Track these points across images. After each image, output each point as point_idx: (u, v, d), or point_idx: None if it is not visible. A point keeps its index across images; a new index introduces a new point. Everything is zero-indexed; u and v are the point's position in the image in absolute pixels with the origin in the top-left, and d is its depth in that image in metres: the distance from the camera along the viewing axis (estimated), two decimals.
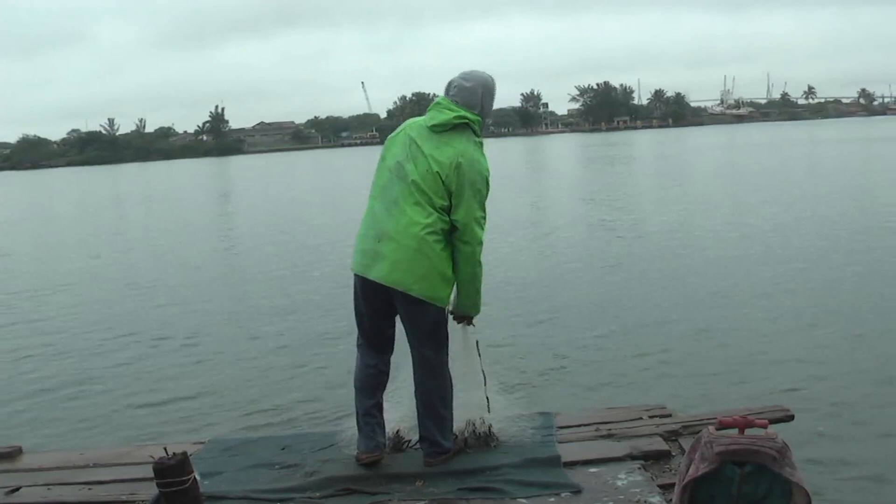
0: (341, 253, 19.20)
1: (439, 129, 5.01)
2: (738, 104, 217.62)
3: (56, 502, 5.07)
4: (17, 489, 5.30)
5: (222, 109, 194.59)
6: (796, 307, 12.15)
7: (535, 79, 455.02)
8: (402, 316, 5.07)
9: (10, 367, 11.69)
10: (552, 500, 4.50)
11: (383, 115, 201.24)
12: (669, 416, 5.71)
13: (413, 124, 5.18)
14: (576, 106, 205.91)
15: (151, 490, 4.86)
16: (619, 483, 4.62)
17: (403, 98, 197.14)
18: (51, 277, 20.32)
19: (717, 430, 3.73)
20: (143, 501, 4.87)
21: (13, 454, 6.02)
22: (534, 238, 21.78)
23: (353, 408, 5.17)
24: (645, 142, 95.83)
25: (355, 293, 5.12)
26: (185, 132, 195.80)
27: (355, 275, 5.06)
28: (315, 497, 4.73)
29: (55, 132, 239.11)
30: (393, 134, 5.27)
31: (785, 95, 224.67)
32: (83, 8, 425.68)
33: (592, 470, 4.83)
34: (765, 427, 3.70)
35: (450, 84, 5.18)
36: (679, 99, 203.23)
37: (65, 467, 5.70)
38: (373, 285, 4.96)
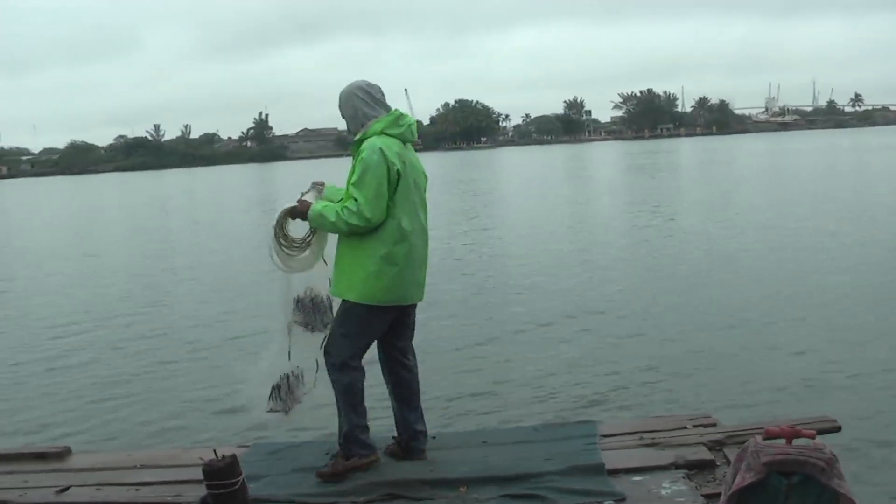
0: None
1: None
2: (783, 112, 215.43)
3: (105, 502, 5.15)
4: (67, 489, 5.39)
5: (266, 116, 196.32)
6: (848, 319, 11.95)
7: (579, 86, 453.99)
8: (403, 325, 5.33)
9: (60, 369, 11.87)
10: None
11: (426, 121, 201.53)
12: (714, 425, 5.67)
13: (393, 141, 5.12)
14: (619, 113, 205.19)
15: (197, 492, 4.93)
16: (664, 492, 4.61)
17: (446, 105, 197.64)
18: (107, 279, 20.66)
19: (764, 439, 3.70)
20: (188, 503, 4.93)
21: (63, 454, 6.12)
22: (576, 248, 21.72)
23: (358, 419, 5.20)
24: (691, 150, 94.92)
25: (374, 323, 5.14)
26: (230, 138, 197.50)
27: (382, 306, 5.09)
28: (358, 501, 4.76)
29: (102, 138, 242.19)
30: (383, 142, 5.04)
31: (831, 103, 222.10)
32: (133, 17, 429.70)
33: (636, 478, 4.82)
34: (812, 437, 3.66)
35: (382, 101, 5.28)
36: (723, 106, 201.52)
37: (113, 468, 5.79)
38: (399, 308, 5.19)
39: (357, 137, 5.10)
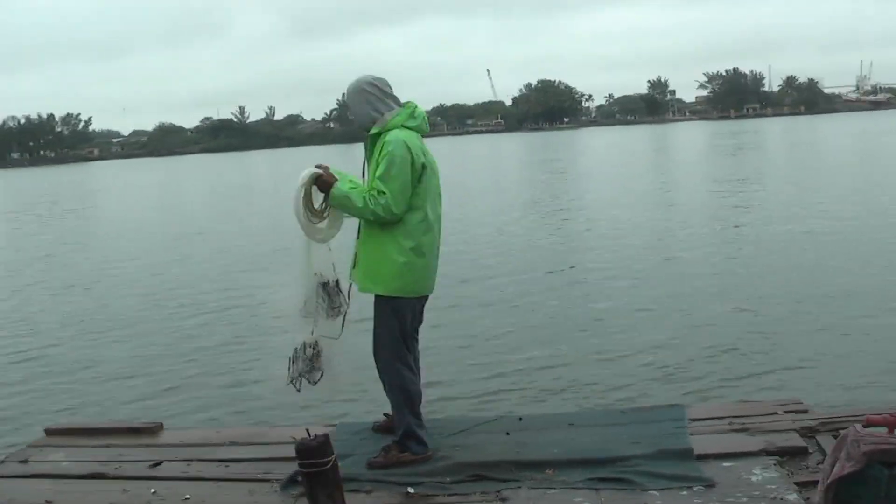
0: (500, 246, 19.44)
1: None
2: (876, 90, 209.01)
3: (195, 477, 5.26)
4: (160, 463, 5.53)
5: None
6: None
7: (663, 65, 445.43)
8: (420, 314, 5.34)
9: (153, 346, 12.20)
10: (684, 493, 4.44)
11: (508, 102, 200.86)
12: (805, 411, 5.57)
13: (413, 134, 5.13)
14: (704, 93, 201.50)
15: (285, 469, 5.01)
16: (754, 479, 4.53)
17: (529, 85, 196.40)
18: (207, 258, 21.11)
19: (864, 427, 3.60)
20: (277, 481, 5.01)
21: (155, 430, 6.27)
22: (663, 230, 21.48)
23: (415, 418, 5.20)
24: (779, 130, 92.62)
25: (407, 316, 5.16)
26: (313, 119, 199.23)
27: (412, 297, 5.13)
28: (445, 482, 4.78)
29: (189, 120, 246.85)
30: (406, 135, 5.05)
31: None
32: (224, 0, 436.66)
33: (726, 464, 4.74)
34: None
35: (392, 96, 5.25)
36: (812, 85, 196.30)
37: (203, 444, 5.91)
38: (424, 298, 5.26)
39: (374, 131, 5.10)
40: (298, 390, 5.20)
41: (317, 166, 5.11)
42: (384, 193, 4.87)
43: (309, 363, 5.16)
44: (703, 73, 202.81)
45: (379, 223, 4.98)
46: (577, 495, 4.51)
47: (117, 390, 10.13)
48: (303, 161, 5.21)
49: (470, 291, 14.47)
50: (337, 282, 5.20)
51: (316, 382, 5.20)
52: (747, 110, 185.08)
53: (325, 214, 5.13)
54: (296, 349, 5.17)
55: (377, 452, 5.16)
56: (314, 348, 5.15)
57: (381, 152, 4.97)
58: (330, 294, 5.17)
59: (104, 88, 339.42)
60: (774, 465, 4.68)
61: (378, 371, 5.27)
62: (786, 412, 5.53)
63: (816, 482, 4.11)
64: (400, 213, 4.93)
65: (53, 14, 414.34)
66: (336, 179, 5.02)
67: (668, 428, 5.31)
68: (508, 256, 18.36)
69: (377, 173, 4.93)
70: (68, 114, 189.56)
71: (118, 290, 17.21)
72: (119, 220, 34.77)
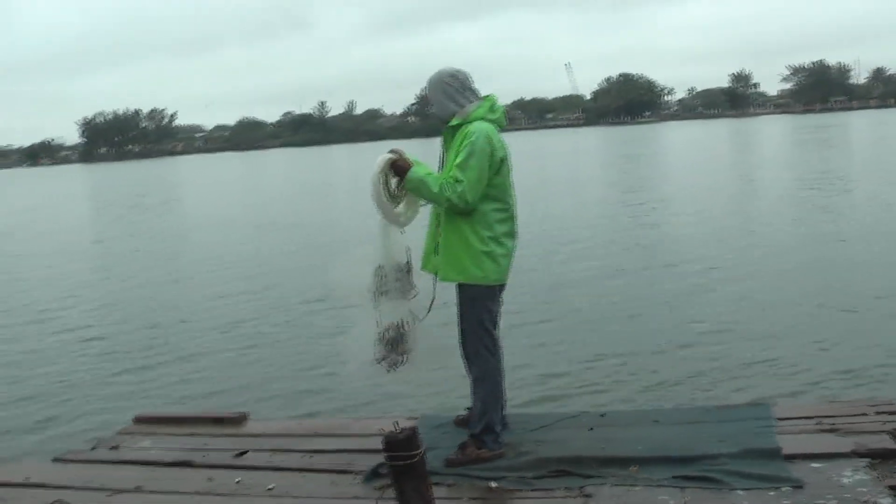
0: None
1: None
2: None
3: (279, 467, 5.33)
4: (244, 453, 5.62)
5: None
6: None
7: (745, 58, 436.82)
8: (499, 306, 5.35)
9: (239, 337, 12.42)
10: (772, 493, 4.35)
11: (588, 96, 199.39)
12: None
13: (493, 126, 5.16)
14: (787, 86, 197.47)
15: (369, 461, 5.05)
16: (845, 481, 4.41)
17: (609, 79, 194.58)
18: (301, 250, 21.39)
19: None
20: (359, 472, 5.04)
21: (240, 420, 6.38)
22: (749, 225, 21.13)
23: (497, 413, 5.22)
24: (868, 124, 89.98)
25: (491, 305, 5.19)
26: (393, 114, 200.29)
27: (494, 286, 5.15)
28: (528, 477, 4.77)
29: (271, 115, 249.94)
30: (488, 127, 5.09)
31: None
32: None
33: (814, 465, 4.63)
34: None
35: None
36: None
37: (287, 435, 6.00)
38: (503, 288, 5.30)
39: (455, 122, 5.14)
40: (388, 371, 5.21)
41: (391, 151, 5.16)
42: (461, 181, 4.90)
43: (392, 346, 5.16)
44: (787, 66, 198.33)
45: (455, 212, 5.01)
46: (662, 493, 4.45)
47: (204, 380, 10.34)
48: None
49: (555, 284, 14.48)
50: (409, 264, 5.22)
51: (400, 366, 5.21)
52: (833, 103, 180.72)
53: (400, 199, 5.17)
54: (381, 332, 5.17)
55: (455, 449, 5.17)
56: (399, 330, 5.16)
57: (462, 141, 5.01)
58: (403, 276, 5.20)
59: (188, 84, 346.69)
60: (865, 467, 4.55)
61: (466, 364, 5.29)
62: (877, 413, 5.36)
63: None
64: (473, 202, 4.96)
65: (139, 11, 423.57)
66: (411, 164, 5.07)
67: (754, 427, 5.20)
68: (597, 249, 18.31)
69: (456, 161, 4.97)
70: (154, 109, 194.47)
71: (209, 284, 17.49)
72: (209, 214, 35.32)
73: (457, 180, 4.91)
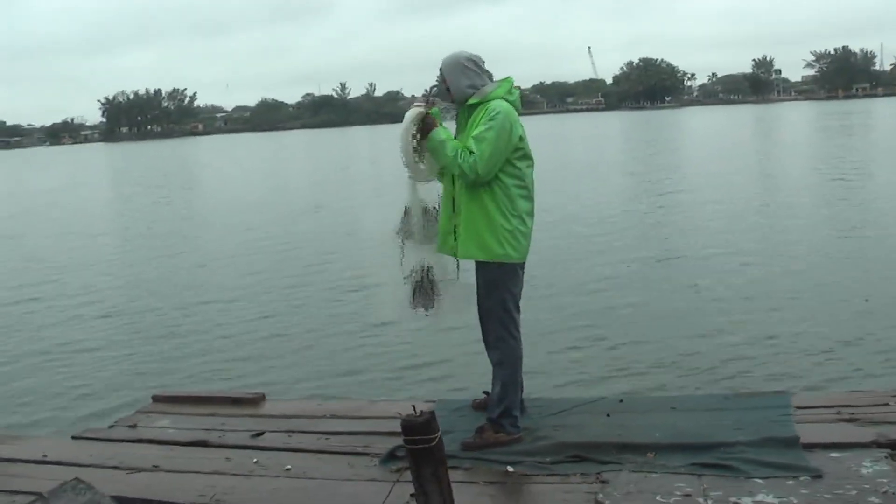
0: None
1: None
2: None
3: (296, 448, 5.33)
4: (262, 433, 5.63)
5: None
6: None
7: (769, 44, 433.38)
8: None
9: (258, 319, 12.49)
10: (790, 482, 4.31)
11: (609, 80, 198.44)
12: None
13: (511, 107, 5.14)
14: (811, 72, 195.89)
15: (385, 444, 5.05)
16: (864, 471, 4.37)
17: (630, 64, 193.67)
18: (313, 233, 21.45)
19: None
20: (376, 455, 5.04)
21: (257, 400, 6.39)
22: (774, 214, 21.01)
23: (516, 397, 5.19)
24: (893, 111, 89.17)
25: (514, 282, 5.16)
26: (413, 96, 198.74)
27: (516, 264, 5.12)
28: (545, 462, 4.75)
29: (291, 96, 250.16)
30: (509, 107, 5.09)
31: None
32: None
33: (834, 455, 4.58)
34: None
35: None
36: None
37: (304, 416, 6.00)
38: (523, 267, 5.25)
39: (471, 101, 5.13)
40: (427, 314, 5.27)
41: (426, 101, 5.19)
42: (474, 153, 4.91)
43: (421, 290, 5.24)
44: (811, 52, 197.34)
45: (467, 182, 5.02)
46: (679, 480, 4.42)
47: (222, 360, 10.39)
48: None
49: (573, 269, 14.46)
50: (436, 209, 5.29)
51: (430, 310, 5.27)
52: (856, 90, 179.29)
53: (423, 155, 5.19)
54: (407, 273, 5.25)
55: (472, 433, 5.15)
56: (425, 275, 5.23)
57: (481, 116, 5.03)
58: (430, 220, 5.28)
59: (209, 65, 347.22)
60: (886, 457, 4.51)
61: (487, 345, 5.27)
62: None
63: None
64: (484, 175, 4.94)
65: None
66: (437, 125, 5.08)
67: (772, 415, 5.16)
68: (616, 235, 18.28)
69: (474, 132, 4.97)
70: (174, 89, 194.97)
71: (233, 265, 17.61)
72: (231, 196, 35.41)
73: (471, 151, 4.92)
